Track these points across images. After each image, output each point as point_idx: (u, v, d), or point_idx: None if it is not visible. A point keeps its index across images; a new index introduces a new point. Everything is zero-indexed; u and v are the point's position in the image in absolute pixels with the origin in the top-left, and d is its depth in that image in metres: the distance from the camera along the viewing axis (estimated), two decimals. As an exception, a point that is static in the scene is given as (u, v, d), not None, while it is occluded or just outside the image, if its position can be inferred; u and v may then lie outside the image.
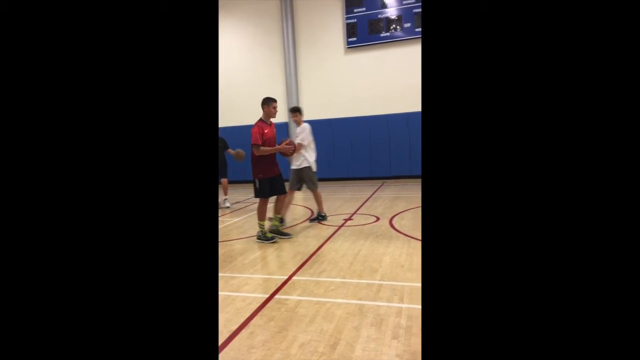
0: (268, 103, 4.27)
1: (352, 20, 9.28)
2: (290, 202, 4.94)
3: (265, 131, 4.18)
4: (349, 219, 5.29)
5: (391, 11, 9.00)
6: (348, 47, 9.42)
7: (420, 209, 5.66)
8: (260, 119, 4.25)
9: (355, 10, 9.24)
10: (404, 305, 2.49)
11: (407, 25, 8.90)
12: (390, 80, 9.21)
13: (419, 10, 8.77)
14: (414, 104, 8.99)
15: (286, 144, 4.33)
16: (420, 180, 8.75)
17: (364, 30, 9.22)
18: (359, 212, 5.73)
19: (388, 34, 9.07)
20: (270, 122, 4.31)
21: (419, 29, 8.82)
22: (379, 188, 8.09)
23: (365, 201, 6.58)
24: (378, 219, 5.17)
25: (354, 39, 9.32)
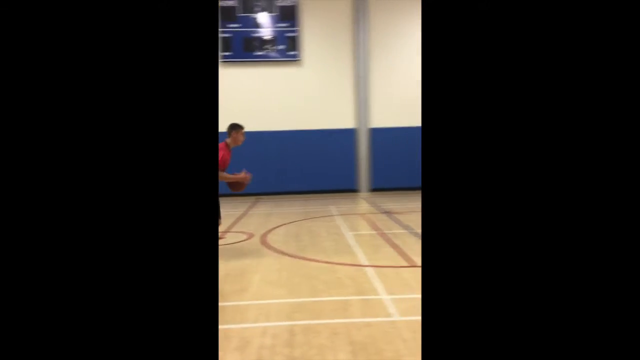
0: (237, 129, 3.90)
1: (227, 35, 9.18)
2: None
3: (227, 157, 3.85)
4: (221, 237, 5.09)
5: (265, 32, 9.23)
6: (223, 61, 9.26)
7: (293, 224, 5.82)
8: (226, 143, 3.86)
9: (229, 25, 9.18)
10: (270, 324, 2.48)
11: (281, 47, 9.25)
12: (265, 99, 9.36)
13: (292, 34, 9.23)
14: (289, 122, 9.31)
15: (245, 174, 3.94)
16: (293, 196, 9.06)
17: (239, 47, 9.21)
18: (232, 229, 5.57)
19: (263, 53, 9.26)
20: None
21: (292, 52, 9.26)
22: (253, 204, 8.05)
23: (239, 218, 6.45)
24: (251, 235, 5.11)
25: (229, 53, 9.22)
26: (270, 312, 2.67)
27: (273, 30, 9.23)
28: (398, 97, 9.34)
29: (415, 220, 5.81)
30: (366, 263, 3.79)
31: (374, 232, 5.23)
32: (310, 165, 9.29)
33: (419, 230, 5.08)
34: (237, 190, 4.12)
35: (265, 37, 9.23)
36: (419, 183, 10.16)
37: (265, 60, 9.29)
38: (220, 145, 3.88)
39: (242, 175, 3.96)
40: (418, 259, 3.83)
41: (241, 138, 4.01)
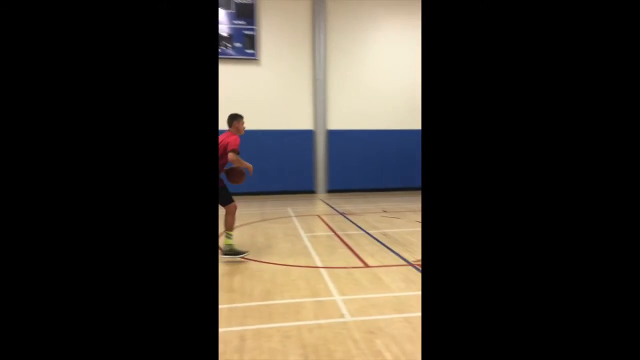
0: (238, 119, 4.01)
1: (181, 30, 8.87)
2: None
3: (239, 141, 3.89)
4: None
5: (222, 28, 9.01)
6: (176, 57, 8.92)
7: (248, 225, 5.72)
8: (231, 132, 3.92)
9: (184, 20, 8.87)
10: (220, 330, 2.42)
11: (238, 45, 9.08)
12: (221, 97, 9.11)
13: (250, 32, 9.09)
14: (247, 122, 9.13)
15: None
16: (250, 197, 8.92)
17: (194, 42, 8.93)
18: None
19: (219, 50, 9.02)
20: None
21: (250, 51, 9.11)
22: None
23: (192, 220, 6.23)
24: (204, 238, 4.96)
25: (183, 49, 8.91)
26: (220, 318, 2.60)
27: (230, 27, 9.04)
28: (355, 100, 9.51)
29: (369, 221, 5.94)
30: (320, 264, 3.82)
31: (329, 233, 5.28)
32: (268, 166, 9.19)
33: (373, 232, 5.20)
34: (237, 182, 4.05)
35: (222, 34, 9.01)
36: (374, 185, 10.32)
37: (221, 57, 9.06)
38: (227, 133, 3.96)
39: (250, 165, 3.98)
40: (371, 260, 3.92)
41: (243, 127, 4.06)
